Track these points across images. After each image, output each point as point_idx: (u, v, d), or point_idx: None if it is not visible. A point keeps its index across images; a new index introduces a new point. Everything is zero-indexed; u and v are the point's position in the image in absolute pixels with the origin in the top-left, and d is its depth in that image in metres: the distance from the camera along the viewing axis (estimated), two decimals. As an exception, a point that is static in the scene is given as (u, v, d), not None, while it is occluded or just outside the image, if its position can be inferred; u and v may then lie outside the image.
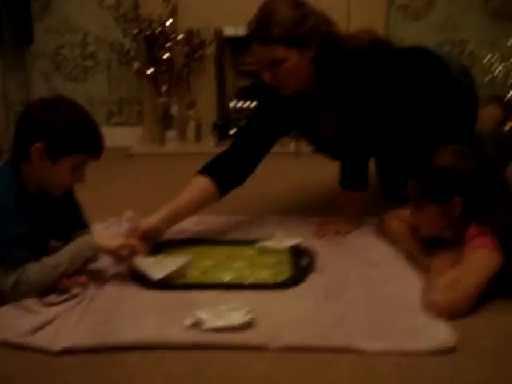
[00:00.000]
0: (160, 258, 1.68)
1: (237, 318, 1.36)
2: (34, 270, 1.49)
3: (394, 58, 2.06)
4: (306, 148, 2.56)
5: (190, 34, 3.47)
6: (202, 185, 1.93)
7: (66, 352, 1.27)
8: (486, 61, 3.52)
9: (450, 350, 1.28)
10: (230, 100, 3.76)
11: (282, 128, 2.11)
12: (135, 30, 3.46)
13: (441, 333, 1.33)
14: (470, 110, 2.22)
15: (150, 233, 1.78)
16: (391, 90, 1.98)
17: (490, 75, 3.41)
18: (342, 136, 1.98)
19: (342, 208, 2.06)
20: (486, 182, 1.62)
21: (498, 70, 3.64)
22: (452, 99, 2.12)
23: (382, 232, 1.93)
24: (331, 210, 2.13)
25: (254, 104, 3.68)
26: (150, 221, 1.81)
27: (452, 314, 1.41)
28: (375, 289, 1.57)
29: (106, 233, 1.97)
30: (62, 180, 1.60)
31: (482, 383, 1.18)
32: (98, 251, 1.60)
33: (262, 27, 1.81)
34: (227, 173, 1.97)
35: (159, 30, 3.37)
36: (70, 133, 1.54)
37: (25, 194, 1.56)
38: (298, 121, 2.10)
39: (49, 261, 1.53)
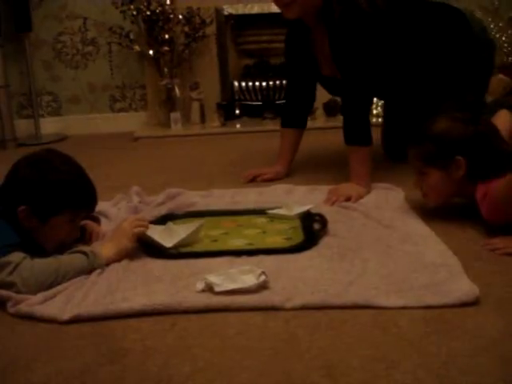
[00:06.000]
0: (170, 226, 1.64)
1: (250, 280, 1.32)
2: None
3: (409, 7, 2.17)
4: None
5: (189, 14, 3.43)
6: (288, 134, 2.37)
7: (76, 320, 1.24)
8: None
9: (472, 303, 1.23)
10: (234, 80, 3.72)
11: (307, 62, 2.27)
12: (134, 12, 3.41)
13: (462, 286, 1.28)
14: (484, 70, 2.21)
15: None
16: (396, 36, 2.09)
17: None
18: (341, 81, 2.06)
19: (351, 170, 2.03)
20: (486, 142, 1.61)
21: (503, 39, 3.60)
22: (468, 58, 2.16)
23: None
24: (341, 179, 2.09)
25: (257, 83, 3.66)
26: (280, 170, 2.32)
27: None
28: (391, 248, 1.53)
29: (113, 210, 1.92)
30: (53, 238, 1.53)
31: (506, 335, 1.13)
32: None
33: None
34: (297, 115, 2.38)
35: (159, 10, 3.33)
36: (56, 195, 1.48)
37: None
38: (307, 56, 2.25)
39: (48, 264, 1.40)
